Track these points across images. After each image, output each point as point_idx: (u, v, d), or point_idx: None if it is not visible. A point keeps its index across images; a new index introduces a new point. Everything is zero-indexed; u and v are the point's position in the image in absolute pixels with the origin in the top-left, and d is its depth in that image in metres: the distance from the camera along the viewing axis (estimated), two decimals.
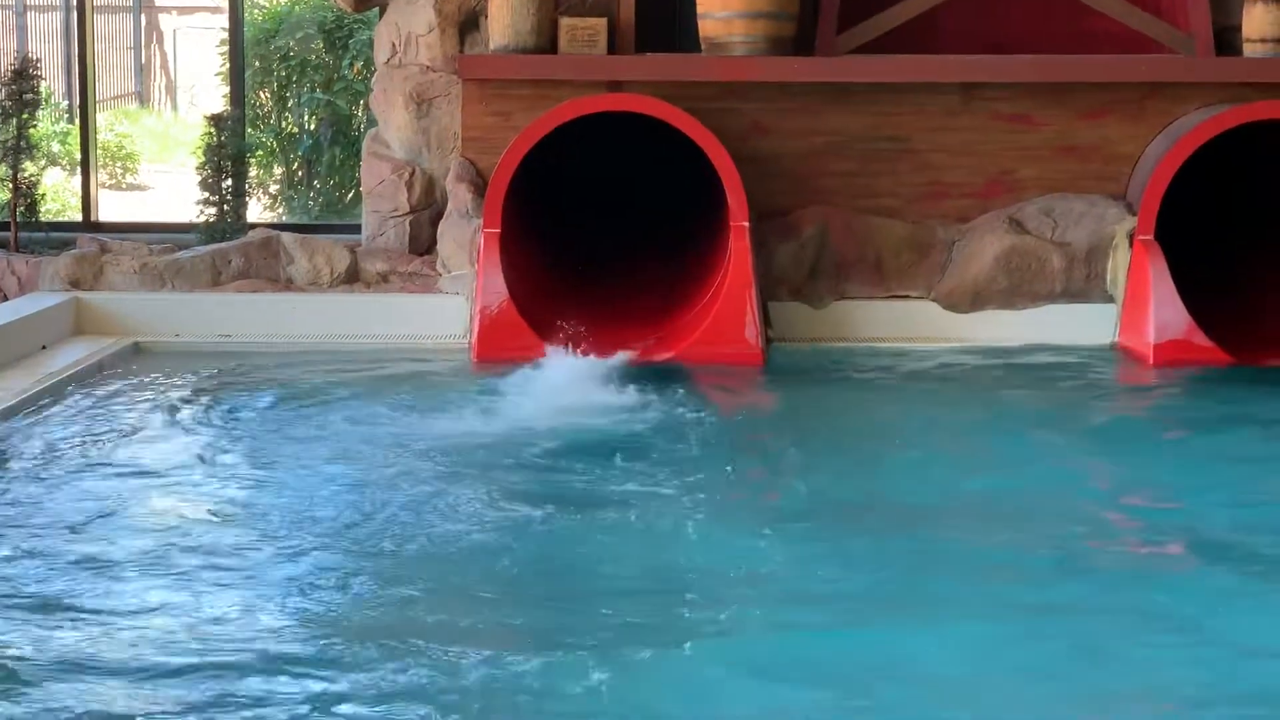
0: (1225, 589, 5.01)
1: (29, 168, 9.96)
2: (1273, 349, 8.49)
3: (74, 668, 4.24)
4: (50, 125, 14.32)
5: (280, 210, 12.88)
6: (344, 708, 4.05)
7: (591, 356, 7.99)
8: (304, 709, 4.02)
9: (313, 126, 12.92)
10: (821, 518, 5.76)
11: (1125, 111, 9.10)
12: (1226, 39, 9.18)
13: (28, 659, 4.28)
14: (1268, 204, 9.34)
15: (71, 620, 4.57)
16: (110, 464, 6.24)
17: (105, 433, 6.70)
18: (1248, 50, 9.04)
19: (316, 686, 4.17)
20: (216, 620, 4.60)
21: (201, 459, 6.42)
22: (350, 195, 12.58)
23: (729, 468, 6.52)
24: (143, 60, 19.63)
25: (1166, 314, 8.38)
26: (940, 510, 5.88)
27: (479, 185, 8.95)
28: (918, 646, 4.51)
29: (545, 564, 5.26)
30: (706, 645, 4.52)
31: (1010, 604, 4.86)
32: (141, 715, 3.95)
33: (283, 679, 4.22)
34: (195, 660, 4.31)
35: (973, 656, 4.46)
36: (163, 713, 3.98)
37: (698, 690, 4.23)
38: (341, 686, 4.17)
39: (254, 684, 4.17)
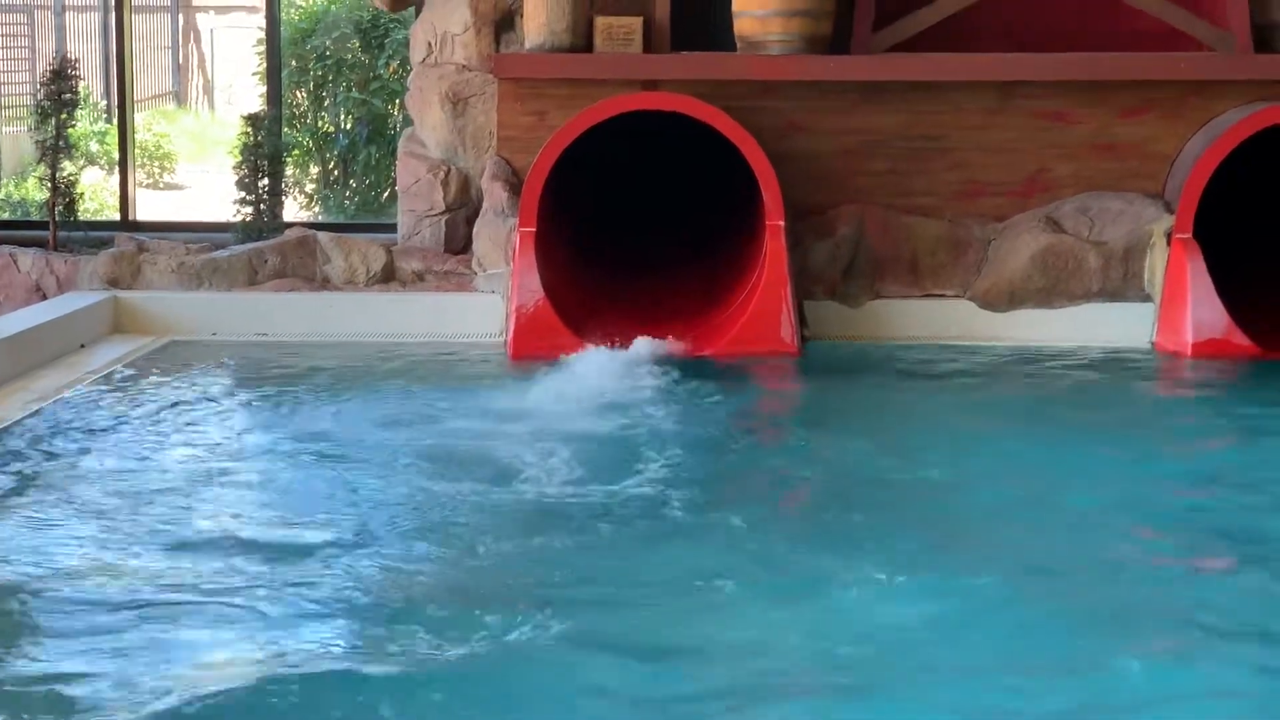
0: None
1: (68, 167, 10.02)
2: None
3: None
4: (88, 125, 14.42)
5: (316, 209, 12.94)
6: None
7: (627, 353, 8.00)
8: None
9: (349, 126, 12.96)
10: (854, 515, 5.74)
11: (1163, 109, 9.06)
12: (1266, 36, 9.14)
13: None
14: None
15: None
16: (152, 458, 6.28)
17: (145, 428, 6.74)
18: None
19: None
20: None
21: (228, 451, 6.46)
22: (386, 194, 12.63)
23: (761, 465, 6.52)
24: (180, 60, 19.73)
25: (1204, 313, 8.34)
26: (980, 510, 5.87)
27: (514, 184, 8.96)
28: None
29: (571, 545, 5.28)
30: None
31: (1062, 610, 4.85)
32: None
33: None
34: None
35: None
36: None
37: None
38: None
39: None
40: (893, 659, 4.35)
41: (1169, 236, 8.64)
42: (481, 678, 4.22)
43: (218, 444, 6.57)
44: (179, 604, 4.69)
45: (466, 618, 4.54)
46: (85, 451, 6.35)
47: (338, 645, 4.42)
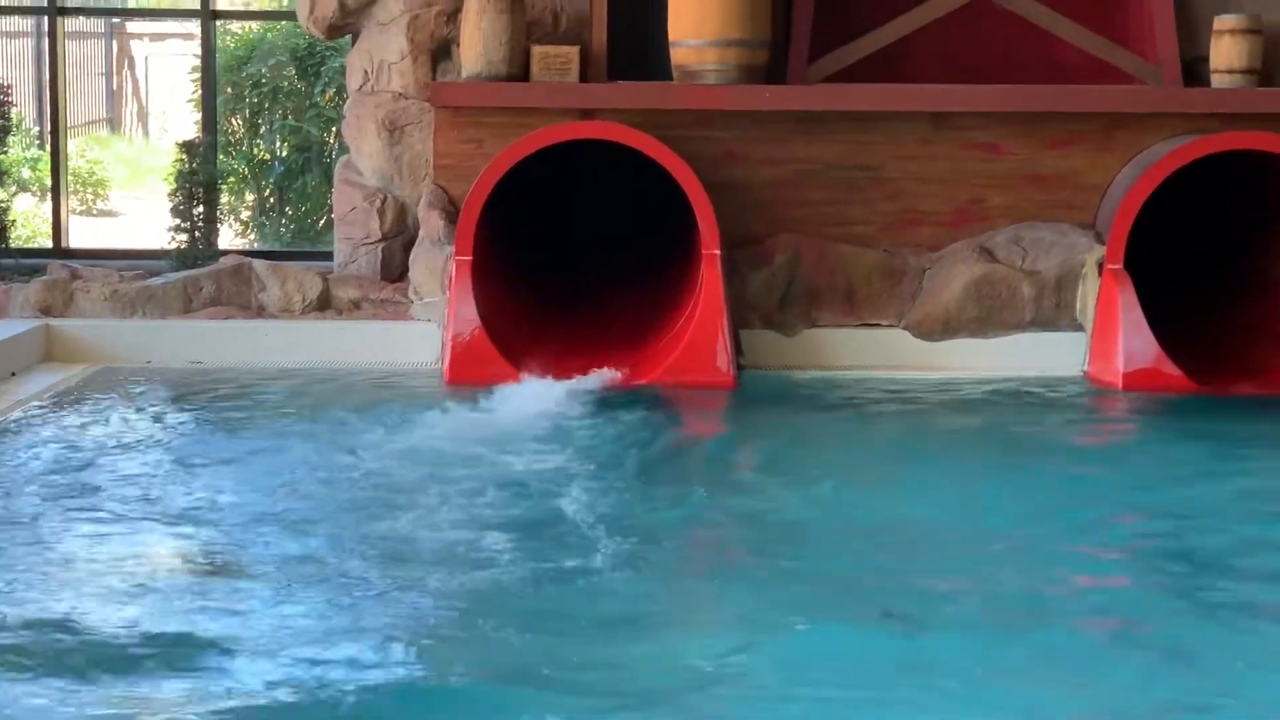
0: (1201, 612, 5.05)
1: None
2: (1239, 377, 8.55)
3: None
4: (21, 151, 14.29)
5: (252, 237, 12.86)
6: None
7: (562, 382, 8.00)
8: None
9: (284, 153, 12.91)
10: (777, 545, 5.73)
11: (1094, 141, 9.16)
12: (1195, 69, 9.27)
13: None
14: (1234, 233, 9.41)
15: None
16: (77, 488, 6.21)
17: (72, 457, 6.66)
18: (1215, 81, 9.12)
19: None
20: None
21: (165, 480, 6.37)
22: (322, 222, 12.57)
23: (682, 491, 6.51)
24: (114, 86, 19.60)
25: (1135, 343, 8.43)
26: (899, 537, 5.89)
27: (451, 212, 8.96)
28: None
29: (494, 577, 5.24)
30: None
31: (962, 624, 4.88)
32: None
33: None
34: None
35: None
36: None
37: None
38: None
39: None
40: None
41: (1100, 267, 8.72)
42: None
43: (145, 471, 6.49)
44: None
45: (353, 657, 4.50)
46: (8, 482, 6.27)
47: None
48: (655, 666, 4.54)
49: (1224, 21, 9.09)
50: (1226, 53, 9.06)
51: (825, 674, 4.50)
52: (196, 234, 10.00)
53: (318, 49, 12.65)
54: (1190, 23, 9.32)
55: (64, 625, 4.70)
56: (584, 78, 9.05)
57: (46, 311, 8.98)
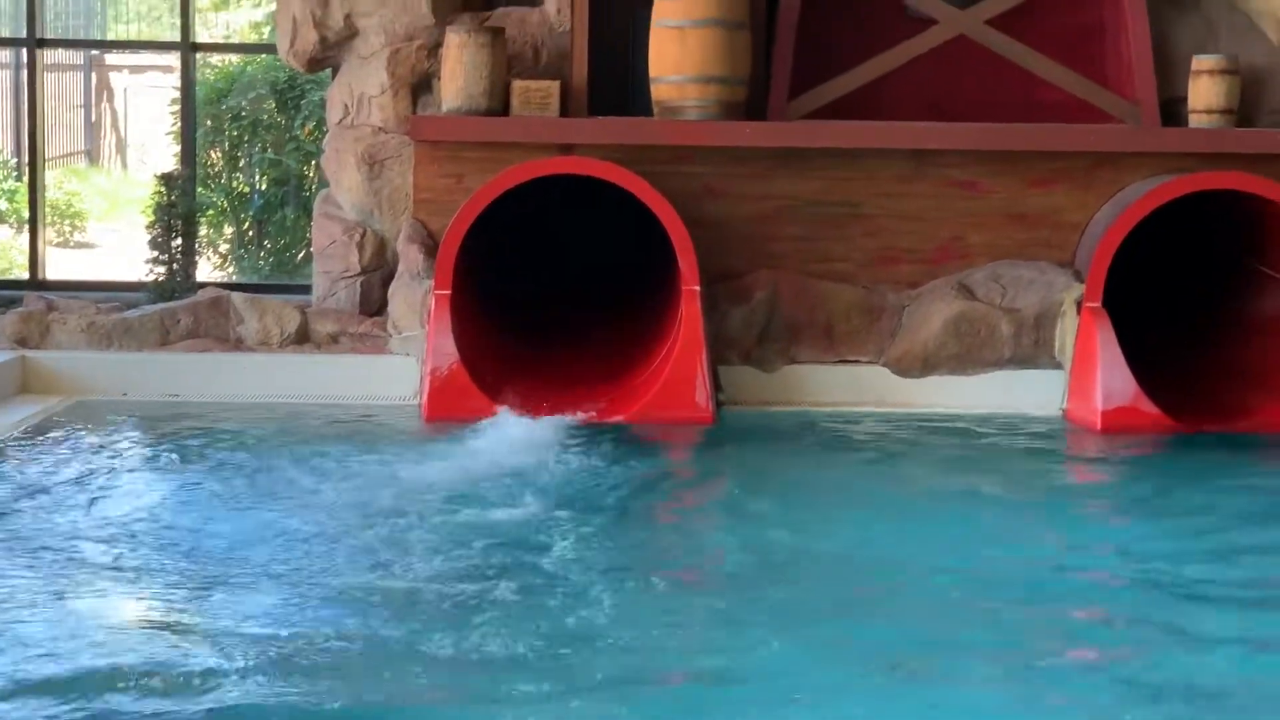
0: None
1: None
2: (1217, 415, 8.56)
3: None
4: None
5: (230, 270, 12.83)
6: None
7: (541, 418, 7.98)
8: None
9: (263, 186, 12.89)
10: (753, 583, 5.71)
11: (1073, 180, 9.19)
12: (1173, 110, 9.31)
13: None
14: (1213, 271, 9.44)
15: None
16: (53, 524, 6.17)
17: (42, 491, 6.61)
18: (1193, 121, 9.17)
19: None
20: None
21: (142, 518, 6.32)
22: (301, 255, 12.54)
23: (666, 531, 6.49)
24: (93, 118, 19.57)
25: (1113, 381, 8.44)
26: (879, 577, 5.87)
27: (430, 247, 8.94)
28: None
29: (468, 621, 5.20)
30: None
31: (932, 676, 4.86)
32: None
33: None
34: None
35: None
36: None
37: None
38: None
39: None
40: None
41: (1079, 305, 8.74)
42: None
43: (122, 505, 6.45)
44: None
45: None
46: None
47: None
48: (647, 705, 4.51)
49: (1202, 62, 9.14)
50: (1205, 93, 9.10)
51: (813, 714, 4.47)
52: (174, 266, 9.97)
53: (298, 82, 12.64)
54: (1169, 63, 9.36)
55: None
56: (564, 112, 9.06)
57: (22, 343, 8.93)
